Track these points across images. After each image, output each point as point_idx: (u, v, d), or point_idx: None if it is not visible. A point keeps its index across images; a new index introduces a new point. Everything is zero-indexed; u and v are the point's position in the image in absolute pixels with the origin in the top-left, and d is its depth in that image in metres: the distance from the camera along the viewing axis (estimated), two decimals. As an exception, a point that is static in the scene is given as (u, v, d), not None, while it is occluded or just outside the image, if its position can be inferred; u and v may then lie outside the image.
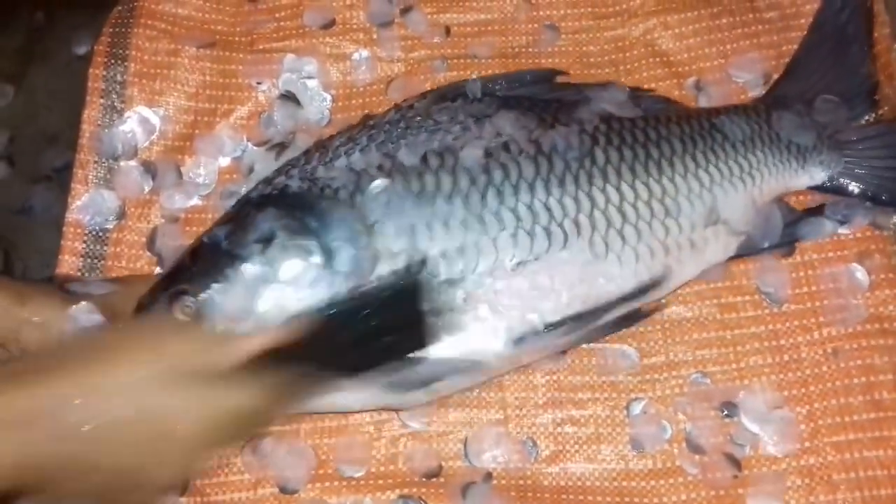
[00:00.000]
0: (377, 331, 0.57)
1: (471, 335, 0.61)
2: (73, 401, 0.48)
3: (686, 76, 0.77)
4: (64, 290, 0.64)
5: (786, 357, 0.66)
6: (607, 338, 0.67)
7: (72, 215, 0.73)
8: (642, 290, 0.65)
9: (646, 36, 0.79)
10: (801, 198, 0.72)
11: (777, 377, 0.65)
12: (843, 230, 0.69)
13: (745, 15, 0.78)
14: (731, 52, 0.77)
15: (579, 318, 0.63)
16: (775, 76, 0.75)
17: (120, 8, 0.81)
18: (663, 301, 0.67)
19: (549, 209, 0.62)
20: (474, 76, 0.73)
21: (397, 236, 0.60)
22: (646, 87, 0.75)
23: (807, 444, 0.63)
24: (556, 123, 0.66)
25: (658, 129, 0.67)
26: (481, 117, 0.66)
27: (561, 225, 0.62)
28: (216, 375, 0.52)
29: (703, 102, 0.75)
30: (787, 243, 0.69)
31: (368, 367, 0.58)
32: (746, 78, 0.76)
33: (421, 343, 0.59)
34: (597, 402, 0.66)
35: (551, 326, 0.62)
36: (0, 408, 0.47)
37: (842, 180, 0.70)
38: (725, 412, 0.64)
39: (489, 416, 0.66)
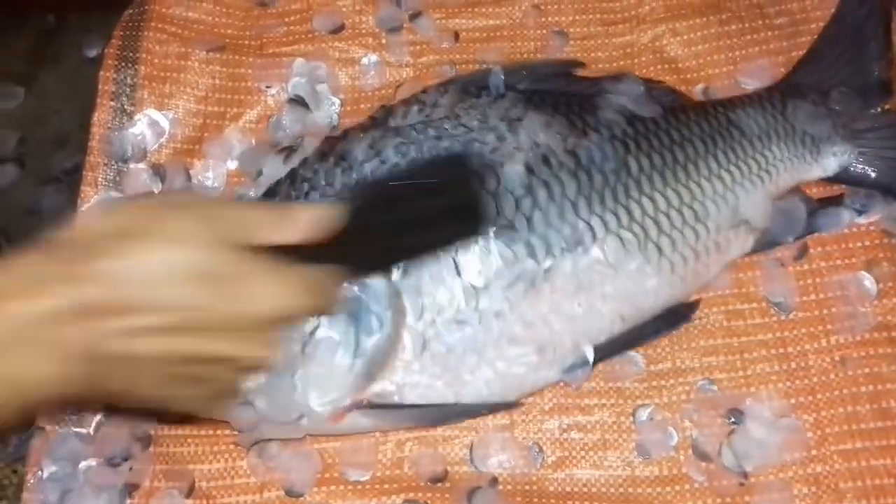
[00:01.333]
0: (435, 210, 0.54)
1: (519, 370, 0.62)
2: (129, 284, 0.44)
3: (695, 83, 0.77)
4: None
5: (793, 365, 0.66)
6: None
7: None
8: (673, 297, 0.65)
9: (654, 42, 0.79)
10: (814, 189, 0.72)
11: (784, 385, 0.65)
12: (860, 220, 0.69)
13: (755, 21, 0.78)
14: (740, 58, 0.77)
15: (619, 339, 0.64)
16: (785, 79, 0.75)
17: (131, 11, 0.81)
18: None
19: (591, 228, 0.63)
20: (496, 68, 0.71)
21: None
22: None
23: (814, 452, 0.63)
24: (587, 128, 0.66)
25: (680, 130, 0.68)
26: (513, 121, 0.65)
27: (603, 242, 0.63)
28: (271, 251, 0.48)
29: (712, 108, 0.75)
30: (804, 235, 0.69)
31: (430, 248, 0.58)
32: (755, 85, 0.75)
33: (479, 222, 0.57)
34: (603, 408, 0.66)
35: (599, 350, 0.63)
36: (68, 298, 0.43)
37: (854, 171, 0.70)
38: (732, 419, 0.64)
39: (495, 421, 0.66)
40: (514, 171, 0.63)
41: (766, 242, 0.68)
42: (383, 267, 0.59)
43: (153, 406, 0.50)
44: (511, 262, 0.61)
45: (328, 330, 0.59)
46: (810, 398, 0.65)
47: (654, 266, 0.64)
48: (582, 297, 0.62)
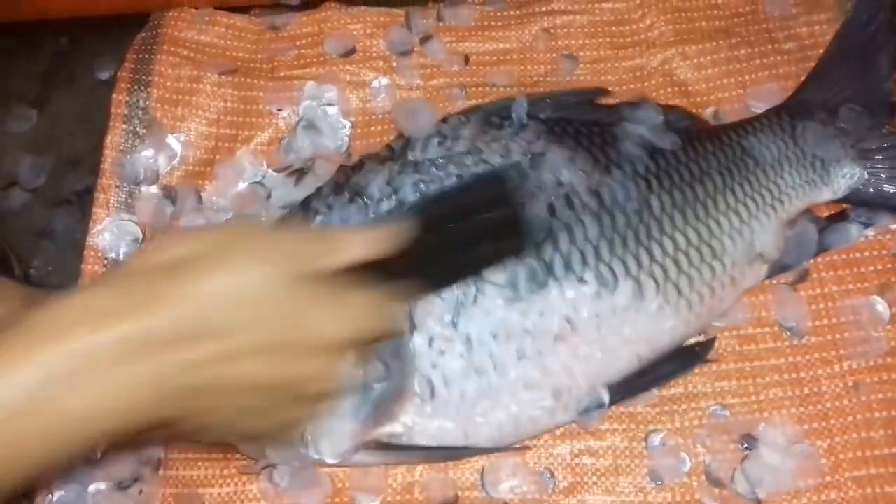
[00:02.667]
0: (478, 232, 0.55)
1: (534, 413, 0.62)
2: (196, 312, 0.43)
3: (705, 106, 0.77)
4: None
5: (806, 390, 0.65)
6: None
7: (92, 239, 0.73)
8: (689, 334, 0.65)
9: (664, 66, 0.79)
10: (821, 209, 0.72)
11: (797, 410, 0.65)
12: (868, 232, 0.69)
13: (764, 46, 0.79)
14: (749, 82, 0.77)
15: (635, 379, 0.63)
16: (794, 100, 0.75)
17: (143, 35, 0.82)
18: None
19: (613, 272, 0.62)
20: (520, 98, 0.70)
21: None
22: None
23: (828, 478, 0.62)
24: (610, 164, 0.65)
25: (699, 163, 0.67)
26: (536, 155, 0.64)
27: (624, 286, 0.62)
28: (334, 276, 0.48)
29: (721, 131, 0.75)
30: (817, 255, 0.69)
31: (474, 270, 0.58)
32: (765, 109, 0.75)
33: (521, 242, 0.56)
34: (615, 433, 0.65)
35: (615, 392, 0.62)
36: (124, 333, 0.42)
37: (864, 191, 0.70)
38: (745, 445, 0.64)
39: (506, 445, 0.65)
40: (535, 215, 0.61)
41: (779, 268, 0.68)
42: (441, 286, 0.58)
43: (220, 438, 0.49)
44: (530, 309, 0.60)
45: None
46: (824, 424, 0.64)
47: (673, 306, 0.63)
48: (602, 341, 0.62)
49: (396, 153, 0.66)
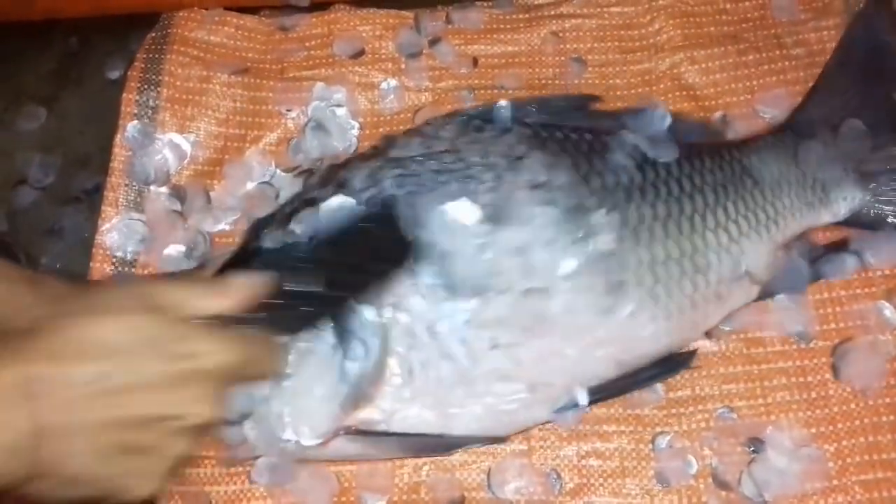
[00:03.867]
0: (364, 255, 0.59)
1: (509, 406, 0.62)
2: (73, 361, 0.45)
3: (713, 110, 0.77)
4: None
5: (813, 394, 0.65)
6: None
7: (101, 238, 0.74)
8: (671, 345, 0.65)
9: (672, 70, 0.79)
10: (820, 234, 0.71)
11: (805, 414, 0.65)
12: (872, 261, 0.68)
13: (772, 51, 0.79)
14: (757, 87, 0.77)
15: (614, 383, 0.63)
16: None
17: (153, 34, 0.82)
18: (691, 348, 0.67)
19: (583, 276, 0.62)
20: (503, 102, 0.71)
21: None
22: (678, 115, 0.74)
23: (835, 481, 0.62)
24: (591, 172, 0.64)
25: (692, 178, 0.66)
26: (514, 159, 0.64)
27: (595, 286, 0.62)
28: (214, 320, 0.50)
29: (730, 137, 0.75)
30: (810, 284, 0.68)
31: (362, 289, 0.59)
32: (773, 113, 0.76)
33: (403, 257, 0.59)
34: (622, 434, 0.65)
35: (592, 393, 0.62)
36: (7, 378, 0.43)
37: (864, 215, 0.69)
38: (752, 448, 0.64)
39: (513, 446, 0.65)
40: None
41: (770, 293, 0.67)
42: (316, 319, 0.58)
43: (92, 491, 0.47)
44: (502, 301, 0.60)
45: (314, 356, 0.58)
46: (831, 427, 0.64)
47: (649, 314, 0.62)
48: (574, 339, 0.62)
49: (380, 151, 0.67)
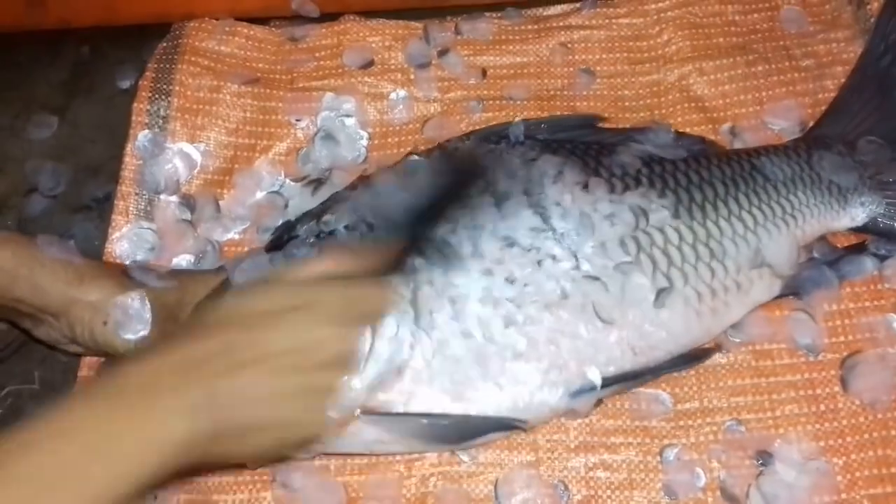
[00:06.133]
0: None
1: (524, 388, 0.62)
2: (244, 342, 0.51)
3: (721, 122, 0.77)
4: (125, 273, 0.66)
5: (822, 407, 0.65)
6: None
7: (111, 246, 0.74)
8: (691, 336, 0.65)
9: (681, 81, 0.80)
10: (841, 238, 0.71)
11: (813, 427, 0.64)
12: (889, 264, 0.68)
13: (781, 63, 0.79)
14: (766, 99, 0.78)
15: (631, 371, 0.63)
16: (811, 124, 0.75)
17: (165, 44, 0.83)
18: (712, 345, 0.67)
19: (605, 250, 0.63)
20: (518, 118, 0.73)
21: None
22: (681, 131, 0.76)
23: (843, 495, 0.62)
24: (600, 166, 0.66)
25: (700, 172, 0.68)
26: (528, 161, 0.67)
27: (605, 269, 0.63)
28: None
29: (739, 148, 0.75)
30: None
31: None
32: (782, 125, 0.76)
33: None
34: (630, 446, 0.65)
35: (607, 381, 0.62)
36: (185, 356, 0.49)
37: (883, 222, 0.70)
38: (760, 461, 0.63)
39: (520, 457, 0.65)
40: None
41: (795, 289, 0.68)
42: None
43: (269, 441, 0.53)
44: (517, 278, 0.62)
45: None
46: (840, 441, 0.64)
47: (665, 297, 0.63)
48: (586, 319, 0.62)
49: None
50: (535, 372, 0.62)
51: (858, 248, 0.70)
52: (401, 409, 0.61)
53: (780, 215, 0.68)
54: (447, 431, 0.62)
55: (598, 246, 0.63)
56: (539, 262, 0.63)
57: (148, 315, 0.63)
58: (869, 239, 0.70)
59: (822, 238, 0.70)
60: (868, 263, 0.68)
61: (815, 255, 0.69)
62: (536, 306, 0.62)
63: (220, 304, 0.56)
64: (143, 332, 0.63)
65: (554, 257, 0.63)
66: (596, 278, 0.63)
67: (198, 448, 0.48)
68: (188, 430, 0.47)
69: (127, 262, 0.70)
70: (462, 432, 0.63)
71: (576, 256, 0.63)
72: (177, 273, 0.70)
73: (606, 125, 0.74)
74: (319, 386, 0.54)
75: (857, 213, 0.69)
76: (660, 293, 0.63)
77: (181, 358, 0.50)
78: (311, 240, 0.65)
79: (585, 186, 0.65)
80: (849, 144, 0.71)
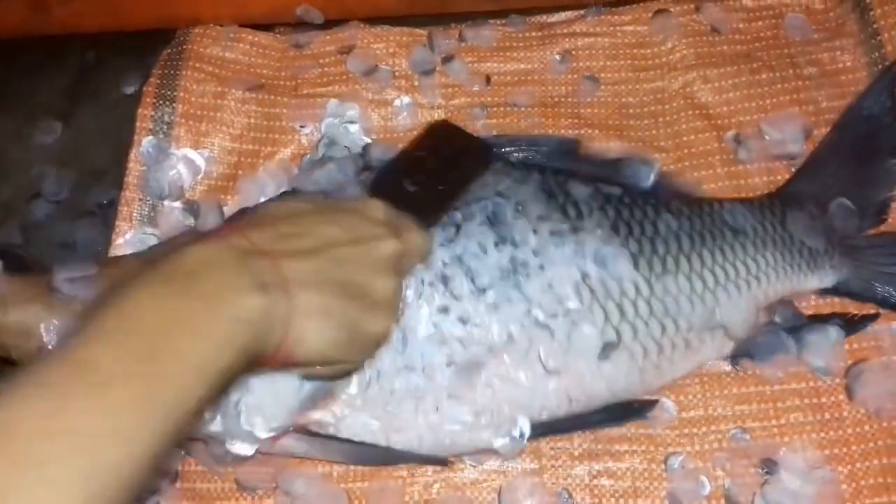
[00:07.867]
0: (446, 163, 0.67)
1: (453, 427, 0.62)
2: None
3: (725, 129, 0.77)
4: (53, 290, 0.62)
5: (827, 415, 0.65)
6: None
7: (115, 252, 0.74)
8: (630, 390, 0.64)
9: (685, 89, 0.79)
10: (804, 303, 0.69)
11: (818, 435, 0.64)
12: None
13: (785, 71, 0.79)
14: (770, 106, 0.77)
15: (567, 419, 0.63)
16: (815, 132, 0.75)
17: (169, 50, 0.83)
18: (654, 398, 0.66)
19: (557, 297, 0.62)
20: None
21: None
22: (685, 138, 0.76)
23: (848, 504, 0.62)
24: (567, 204, 0.65)
25: (668, 223, 0.66)
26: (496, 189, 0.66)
27: (554, 317, 0.62)
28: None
29: (743, 156, 0.75)
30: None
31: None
32: (784, 136, 0.75)
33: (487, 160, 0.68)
34: (634, 454, 0.65)
35: (539, 427, 0.62)
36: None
37: (850, 285, 0.68)
38: (765, 469, 0.63)
39: (524, 465, 0.65)
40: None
41: (746, 354, 0.66)
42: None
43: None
44: (465, 319, 0.62)
45: None
46: (845, 449, 0.64)
47: (608, 350, 0.62)
48: (528, 366, 0.62)
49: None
50: (466, 413, 0.62)
51: (823, 318, 0.67)
52: (331, 431, 0.62)
53: (744, 276, 0.66)
54: (371, 456, 0.63)
55: (551, 289, 0.62)
56: (495, 306, 0.62)
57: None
58: (836, 309, 0.68)
59: (788, 302, 0.68)
60: (833, 334, 0.66)
61: (777, 319, 0.67)
62: (481, 348, 0.61)
63: (266, 205, 0.61)
64: None
65: (509, 300, 0.62)
66: (545, 325, 0.62)
67: (273, 334, 0.47)
68: (261, 307, 0.46)
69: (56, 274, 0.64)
70: (386, 461, 0.64)
71: (529, 300, 0.62)
72: (116, 260, 0.69)
73: (584, 152, 0.73)
74: (377, 284, 0.54)
75: (826, 276, 0.68)
76: (606, 346, 0.62)
77: (237, 243, 0.49)
78: None
79: (549, 223, 0.64)
80: (821, 206, 0.69)
